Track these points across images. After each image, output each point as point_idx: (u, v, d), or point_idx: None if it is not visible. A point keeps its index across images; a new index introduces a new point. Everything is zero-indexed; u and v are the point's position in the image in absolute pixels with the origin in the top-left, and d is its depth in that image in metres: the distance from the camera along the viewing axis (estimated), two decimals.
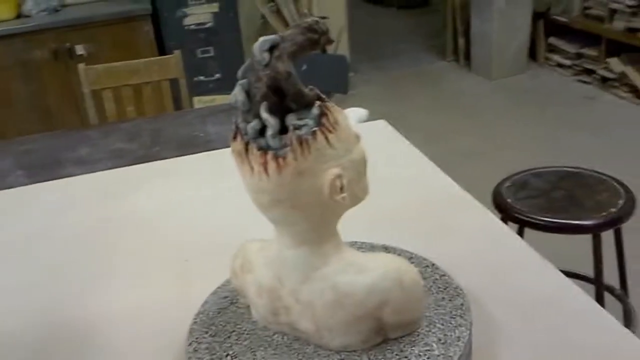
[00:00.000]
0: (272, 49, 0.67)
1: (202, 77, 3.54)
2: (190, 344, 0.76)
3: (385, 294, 0.70)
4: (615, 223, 1.37)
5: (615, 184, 1.47)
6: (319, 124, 0.66)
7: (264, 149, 0.67)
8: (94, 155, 1.66)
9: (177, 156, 1.54)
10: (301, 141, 0.65)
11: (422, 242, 0.98)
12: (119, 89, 2.16)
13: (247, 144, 0.68)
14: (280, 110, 0.68)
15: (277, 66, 0.66)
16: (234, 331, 0.78)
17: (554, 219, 1.37)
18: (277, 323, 0.76)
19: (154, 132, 1.81)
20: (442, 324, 0.76)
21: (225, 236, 1.10)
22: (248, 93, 0.68)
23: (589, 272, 1.49)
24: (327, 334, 0.72)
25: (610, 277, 1.47)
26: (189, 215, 1.22)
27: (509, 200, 1.45)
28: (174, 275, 1.01)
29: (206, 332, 0.78)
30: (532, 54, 4.32)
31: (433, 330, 0.75)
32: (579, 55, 4.00)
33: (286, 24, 3.87)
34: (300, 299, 0.72)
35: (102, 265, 1.06)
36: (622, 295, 1.56)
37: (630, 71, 3.52)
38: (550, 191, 1.49)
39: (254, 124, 0.67)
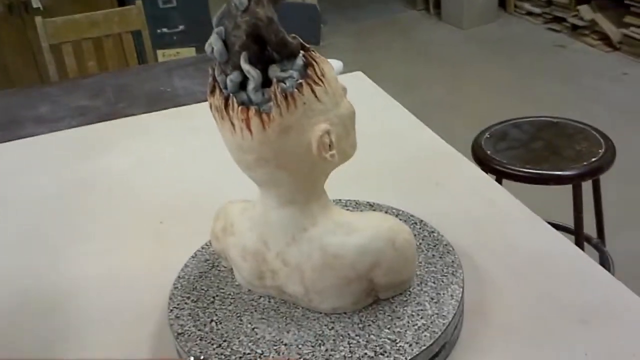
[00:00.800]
0: None
1: (165, 29, 3.40)
2: (171, 310, 0.72)
3: (377, 255, 0.67)
4: (596, 172, 1.36)
5: (594, 133, 1.46)
6: (304, 75, 0.61)
7: (245, 104, 0.62)
8: (55, 114, 1.58)
9: (144, 112, 1.47)
10: (286, 95, 0.60)
11: (407, 199, 0.95)
12: (79, 43, 2.05)
13: (226, 99, 0.62)
14: (262, 60, 0.63)
15: (257, 11, 0.60)
16: (217, 295, 0.75)
17: (535, 170, 1.35)
18: (263, 286, 0.73)
19: (118, 87, 1.73)
20: (434, 282, 0.73)
21: (200, 196, 1.06)
22: (225, 42, 0.63)
23: (567, 221, 1.49)
24: (316, 296, 0.69)
25: (586, 226, 1.47)
26: (161, 174, 1.16)
27: (488, 152, 1.42)
28: (149, 238, 0.96)
29: (188, 298, 0.74)
30: (502, 3, 4.27)
31: (425, 289, 0.72)
32: (549, 3, 3.97)
33: None
34: (288, 261, 0.69)
35: (73, 229, 1.01)
36: (599, 244, 1.57)
37: (600, 18, 3.50)
38: (529, 142, 1.47)
39: (233, 77, 0.62)
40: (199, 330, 0.69)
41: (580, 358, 0.68)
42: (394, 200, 0.90)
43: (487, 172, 1.34)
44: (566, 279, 0.79)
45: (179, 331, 0.69)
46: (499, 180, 1.39)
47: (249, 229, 0.71)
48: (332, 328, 0.68)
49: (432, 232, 0.81)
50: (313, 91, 0.61)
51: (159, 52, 3.29)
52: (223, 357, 0.66)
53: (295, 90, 0.60)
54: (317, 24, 3.65)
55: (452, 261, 0.76)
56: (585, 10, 3.58)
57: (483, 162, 1.40)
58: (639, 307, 0.73)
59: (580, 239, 1.39)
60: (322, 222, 0.67)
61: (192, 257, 0.81)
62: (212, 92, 0.64)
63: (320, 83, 0.62)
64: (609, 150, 1.39)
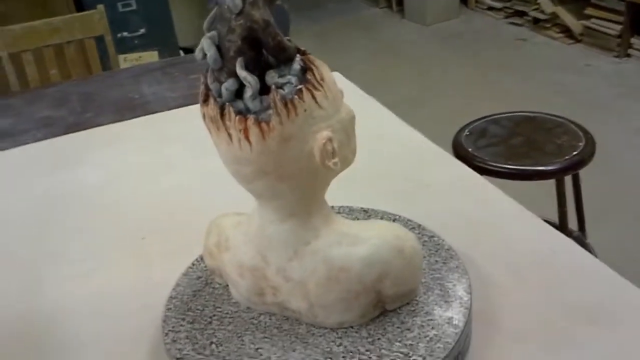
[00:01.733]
0: None
1: (125, 33, 3.32)
2: (167, 334, 0.68)
3: (384, 265, 0.63)
4: (578, 166, 1.35)
5: (573, 126, 1.46)
6: (303, 80, 0.58)
7: (242, 113, 0.58)
8: (19, 126, 1.50)
9: (113, 121, 1.41)
10: (286, 102, 0.56)
11: (399, 202, 0.93)
12: (40, 50, 1.97)
13: (222, 108, 0.58)
14: (258, 66, 0.59)
15: (253, 14, 0.56)
16: (214, 315, 0.70)
17: (518, 165, 1.34)
18: (263, 303, 0.69)
19: (84, 96, 1.66)
20: (441, 290, 0.70)
21: (182, 208, 1.01)
22: (219, 47, 0.59)
23: (546, 215, 1.49)
24: (321, 311, 0.65)
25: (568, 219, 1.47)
26: (138, 187, 1.11)
27: (470, 149, 1.41)
28: (133, 256, 0.91)
29: (183, 319, 0.70)
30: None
31: (432, 297, 0.69)
32: None
33: None
34: (290, 276, 0.65)
35: (48, 249, 0.95)
36: (581, 237, 1.58)
37: (561, 11, 3.55)
38: (509, 137, 1.46)
39: (229, 84, 0.58)
40: (198, 354, 0.65)
41: None
42: (385, 204, 0.87)
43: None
44: (570, 279, 0.77)
45: (178, 356, 0.65)
46: None
47: (244, 243, 0.67)
48: (340, 344, 0.65)
49: (432, 236, 0.78)
50: (313, 97, 0.57)
51: (120, 57, 3.19)
52: None
53: (295, 96, 0.56)
54: (287, 25, 3.62)
55: (457, 266, 0.73)
56: (546, 4, 3.62)
57: (465, 159, 1.38)
58: None
59: (565, 233, 1.38)
60: (325, 233, 0.64)
61: (184, 274, 0.77)
62: (205, 101, 0.60)
63: (320, 88, 0.58)
64: (589, 143, 1.39)
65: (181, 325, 0.69)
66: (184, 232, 0.94)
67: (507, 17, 4.05)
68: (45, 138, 1.35)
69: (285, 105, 0.56)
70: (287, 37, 0.60)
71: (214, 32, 0.59)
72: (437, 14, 4.14)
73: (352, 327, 0.67)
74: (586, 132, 1.42)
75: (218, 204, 0.96)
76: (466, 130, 1.48)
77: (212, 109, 0.59)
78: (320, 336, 0.66)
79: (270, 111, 0.56)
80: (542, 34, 3.73)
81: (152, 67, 1.88)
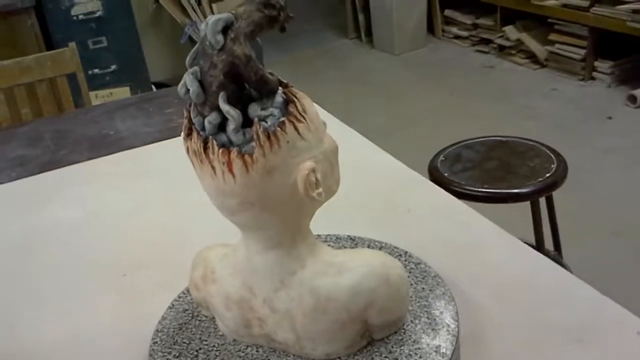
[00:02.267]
0: (226, 29, 0.58)
1: (96, 70, 3.31)
2: None
3: (371, 294, 0.63)
4: (552, 187, 1.38)
5: (544, 149, 1.49)
6: (285, 113, 0.59)
7: (226, 146, 0.58)
8: None
9: (88, 159, 1.40)
10: (269, 134, 0.57)
11: (381, 228, 0.93)
12: (12, 89, 1.95)
13: (205, 142, 0.59)
14: (240, 100, 0.60)
15: (235, 49, 0.57)
16: (200, 348, 0.69)
17: (493, 189, 1.36)
18: (250, 335, 0.68)
19: (57, 133, 1.64)
20: (428, 317, 0.70)
21: (162, 243, 1.00)
22: (201, 82, 0.59)
23: (523, 237, 1.51)
24: (308, 343, 0.65)
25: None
26: (116, 223, 1.10)
27: (445, 174, 1.43)
28: (114, 293, 0.89)
29: (169, 353, 0.69)
30: (431, 28, 4.39)
31: (419, 325, 0.70)
32: (475, 26, 4.11)
33: (182, 8, 3.69)
34: (276, 307, 0.65)
35: (25, 290, 0.93)
36: (557, 256, 1.60)
37: (525, 38, 3.64)
38: (483, 161, 1.49)
39: (212, 118, 0.59)
40: None
41: None
42: (369, 231, 0.87)
43: None
44: (553, 299, 0.78)
45: None
46: None
47: (231, 275, 0.67)
48: None
49: (419, 263, 0.79)
50: (296, 128, 0.58)
51: (92, 94, 3.18)
52: None
53: (278, 128, 0.57)
54: (260, 59, 3.65)
55: (443, 293, 0.74)
56: (510, 31, 3.72)
57: (441, 184, 1.40)
58: (629, 320, 0.73)
59: (542, 254, 1.40)
60: (311, 263, 0.64)
61: (170, 307, 0.76)
62: (189, 135, 0.60)
63: (303, 120, 0.59)
64: (560, 165, 1.42)
65: (167, 359, 0.68)
66: (165, 268, 0.93)
67: (473, 45, 4.14)
68: (20, 177, 1.34)
69: (268, 137, 0.57)
70: (269, 71, 0.61)
71: (196, 68, 0.59)
72: (405, 43, 4.21)
73: (339, 358, 0.66)
74: (558, 155, 1.46)
75: (198, 239, 0.96)
76: (441, 156, 1.51)
77: (196, 142, 0.59)
78: None
79: (254, 144, 0.57)
80: (508, 60, 3.82)
81: (126, 103, 1.87)
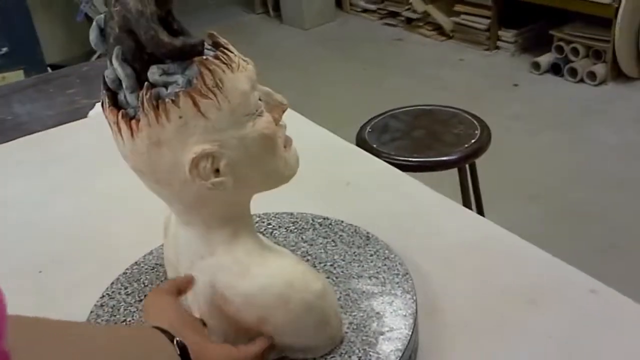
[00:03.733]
0: None
1: None
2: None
3: (264, 309, 0.56)
4: (477, 153, 1.39)
5: (467, 116, 1.50)
6: (189, 84, 0.51)
7: (123, 107, 0.52)
8: None
9: None
10: (157, 104, 0.50)
11: (320, 202, 0.89)
12: None
13: (110, 96, 0.53)
14: (141, 59, 0.52)
15: (127, 2, 0.50)
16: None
17: (422, 157, 1.35)
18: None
19: None
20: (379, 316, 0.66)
21: (79, 235, 0.91)
22: (103, 31, 0.53)
23: None
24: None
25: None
26: (26, 215, 0.99)
27: (374, 145, 1.40)
28: (29, 293, 0.80)
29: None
30: (339, 2, 4.36)
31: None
32: None
33: None
34: None
35: None
36: None
37: (432, 9, 3.68)
38: (410, 131, 1.47)
39: (108, 72, 0.53)
40: None
41: (543, 340, 0.65)
42: (309, 206, 0.82)
43: None
44: (504, 262, 0.77)
45: None
46: None
47: (173, 236, 0.63)
48: None
49: (368, 237, 0.75)
50: (196, 104, 0.50)
51: None
52: None
53: (169, 100, 0.50)
54: None
55: (399, 271, 0.69)
56: (417, 3, 3.75)
57: (371, 155, 1.37)
58: (580, 280, 0.73)
59: None
60: (220, 254, 0.57)
61: (97, 305, 0.68)
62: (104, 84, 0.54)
63: (211, 96, 0.51)
64: (484, 131, 1.43)
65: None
66: (84, 263, 0.84)
67: (381, 19, 4.15)
68: None
69: (157, 106, 0.50)
70: (193, 37, 0.53)
71: (101, 16, 0.53)
72: (314, 18, 4.16)
73: None
74: (480, 121, 1.46)
75: (117, 229, 0.88)
76: (368, 127, 1.48)
77: (103, 94, 0.54)
78: None
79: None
80: (416, 33, 3.86)
81: (24, 85, 1.71)
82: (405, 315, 0.63)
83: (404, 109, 1.56)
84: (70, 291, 0.78)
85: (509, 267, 0.76)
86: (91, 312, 0.67)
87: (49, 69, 3.33)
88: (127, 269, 0.73)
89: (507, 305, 0.70)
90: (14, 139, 1.27)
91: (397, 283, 0.67)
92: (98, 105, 1.42)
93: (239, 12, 4.56)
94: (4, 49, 3.08)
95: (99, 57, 3.61)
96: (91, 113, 1.38)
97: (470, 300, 0.71)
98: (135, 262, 0.74)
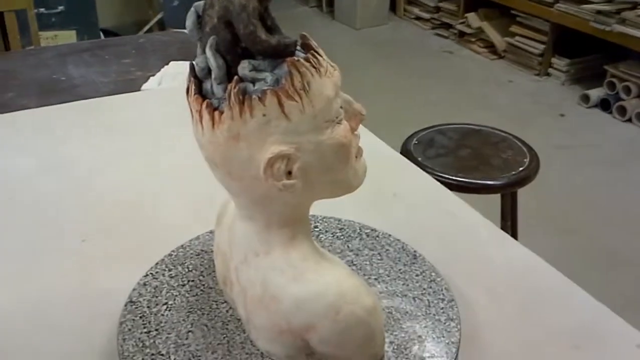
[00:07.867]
0: None
1: (42, 10, 3.09)
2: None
3: (312, 317, 0.55)
4: (524, 182, 1.37)
5: (517, 142, 1.48)
6: (276, 83, 0.50)
7: (207, 96, 0.52)
8: None
9: (39, 105, 1.27)
10: (244, 99, 0.49)
11: (367, 211, 0.88)
12: None
13: (197, 83, 0.53)
14: (235, 52, 0.52)
15: None
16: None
17: (467, 178, 1.33)
18: (226, 293, 0.64)
19: (4, 74, 1.50)
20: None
21: (125, 206, 0.91)
22: (200, 18, 0.52)
23: None
24: (253, 330, 0.60)
25: None
26: (73, 181, 0.99)
27: (419, 158, 1.39)
28: (71, 261, 0.80)
29: (141, 332, 0.62)
30: (393, 7, 4.34)
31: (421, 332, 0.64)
32: (438, 9, 4.08)
33: None
34: (239, 279, 0.60)
35: None
36: None
37: (486, 27, 3.65)
38: (456, 149, 1.45)
39: (199, 60, 0.52)
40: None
41: None
42: (355, 214, 0.82)
43: None
44: (549, 299, 0.75)
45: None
46: None
47: (227, 227, 0.62)
48: None
49: (416, 256, 0.74)
50: (281, 104, 0.49)
51: None
52: None
53: (256, 97, 0.49)
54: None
55: (444, 295, 0.68)
56: (472, 18, 3.72)
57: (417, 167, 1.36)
58: (627, 332, 0.71)
59: None
60: (276, 254, 0.56)
61: (141, 284, 0.68)
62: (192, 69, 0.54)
63: (297, 98, 0.50)
64: (533, 159, 1.41)
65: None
66: (128, 233, 0.85)
67: (433, 28, 4.12)
68: None
69: (242, 101, 0.49)
70: (285, 36, 0.53)
71: (201, 2, 0.52)
72: (366, 18, 4.15)
73: None
74: (530, 149, 1.44)
75: (163, 207, 0.88)
76: (414, 140, 1.47)
77: (189, 80, 0.53)
78: (247, 354, 0.61)
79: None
80: (467, 48, 3.82)
81: (81, 48, 1.73)
82: (448, 344, 0.62)
83: (453, 126, 1.55)
84: (111, 265, 0.78)
85: (553, 306, 0.74)
86: (134, 289, 0.67)
87: (101, 33, 3.37)
88: (172, 250, 0.73)
89: (551, 347, 0.68)
90: (68, 102, 1.28)
91: (442, 309, 0.66)
92: (152, 79, 1.43)
93: (292, 3, 4.57)
94: (60, 7, 3.12)
95: (149, 30, 3.65)
96: (145, 86, 1.39)
97: (513, 335, 0.70)
98: (182, 245, 0.74)
